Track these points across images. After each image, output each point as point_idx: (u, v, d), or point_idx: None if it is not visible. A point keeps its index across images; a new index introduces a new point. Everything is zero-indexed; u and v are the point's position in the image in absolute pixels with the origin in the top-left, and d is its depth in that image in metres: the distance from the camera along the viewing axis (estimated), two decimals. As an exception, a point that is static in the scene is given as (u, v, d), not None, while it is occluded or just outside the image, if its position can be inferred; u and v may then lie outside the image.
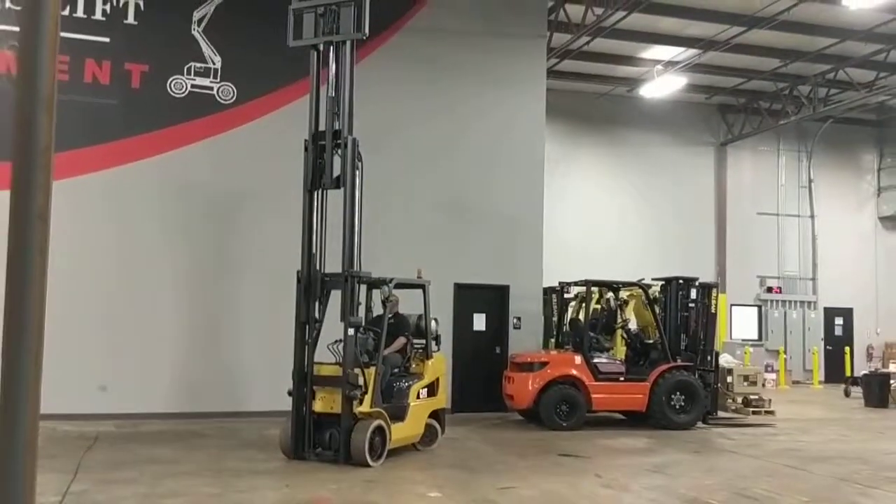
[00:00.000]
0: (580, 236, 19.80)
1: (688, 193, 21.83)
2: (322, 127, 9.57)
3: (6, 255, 3.73)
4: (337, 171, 9.41)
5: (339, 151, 9.40)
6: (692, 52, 17.79)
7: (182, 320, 12.66)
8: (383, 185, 12.79)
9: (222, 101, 12.84)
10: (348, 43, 9.45)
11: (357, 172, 9.33)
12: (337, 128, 9.43)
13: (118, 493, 7.37)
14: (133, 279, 12.51)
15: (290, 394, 9.25)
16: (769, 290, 22.70)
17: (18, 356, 3.65)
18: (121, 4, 12.51)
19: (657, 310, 13.24)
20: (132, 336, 12.43)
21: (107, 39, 12.44)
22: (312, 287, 9.32)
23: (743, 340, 21.41)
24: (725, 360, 14.87)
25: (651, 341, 13.21)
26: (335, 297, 9.34)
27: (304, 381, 9.19)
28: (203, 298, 12.77)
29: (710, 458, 10.21)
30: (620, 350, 13.68)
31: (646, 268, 15.47)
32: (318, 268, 9.38)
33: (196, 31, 12.79)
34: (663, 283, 13.61)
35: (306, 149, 9.57)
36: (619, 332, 13.75)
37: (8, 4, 11.99)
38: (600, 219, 20.68)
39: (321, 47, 9.62)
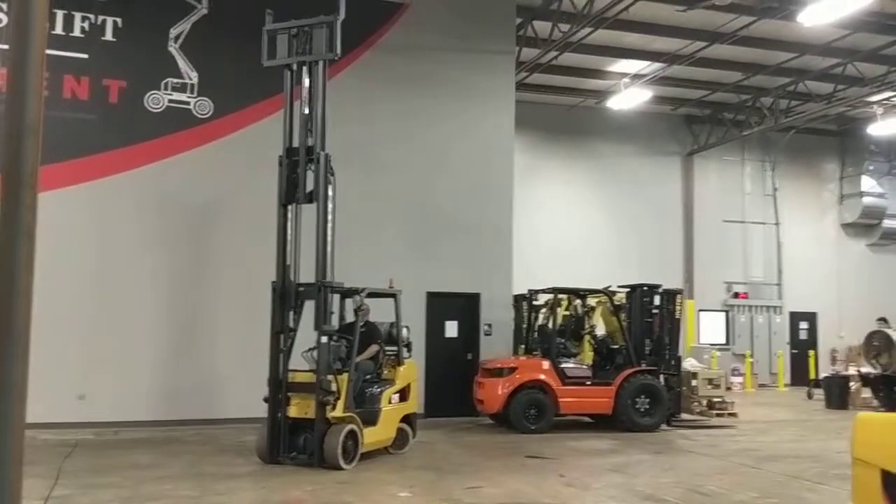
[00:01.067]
0: (551, 245, 20.28)
1: (656, 202, 22.38)
2: (296, 143, 9.96)
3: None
4: (310, 186, 9.78)
5: (312, 167, 9.78)
6: (657, 65, 18.35)
7: (160, 330, 12.94)
8: (356, 197, 13.13)
9: (199, 116, 13.17)
10: (321, 63, 9.84)
11: (329, 186, 9.71)
12: (310, 144, 9.81)
13: (100, 496, 7.67)
14: (111, 290, 12.76)
15: (265, 400, 9.59)
16: (736, 295, 23.29)
17: (6, 368, 4.01)
18: (99, 21, 12.81)
19: (622, 316, 13.70)
20: (111, 345, 12.68)
21: (85, 56, 12.73)
22: (287, 297, 9.68)
23: (710, 345, 21.94)
24: (690, 363, 15.38)
25: (617, 346, 13.66)
26: (309, 306, 9.71)
27: (279, 387, 9.54)
28: (180, 309, 13.06)
29: (669, 457, 10.65)
30: (588, 355, 14.12)
31: (615, 275, 15.88)
32: (292, 278, 9.73)
33: (173, 48, 13.11)
34: (628, 290, 14.07)
35: (280, 164, 9.94)
36: (587, 337, 14.19)
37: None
38: (570, 227, 21.17)
39: (294, 67, 9.98)
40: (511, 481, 8.67)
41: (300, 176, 9.77)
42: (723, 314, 23.35)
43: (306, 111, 9.85)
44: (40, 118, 3.81)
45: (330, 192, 9.72)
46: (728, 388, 15.36)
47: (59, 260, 12.47)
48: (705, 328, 22.86)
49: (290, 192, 9.86)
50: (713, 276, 22.91)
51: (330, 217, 9.68)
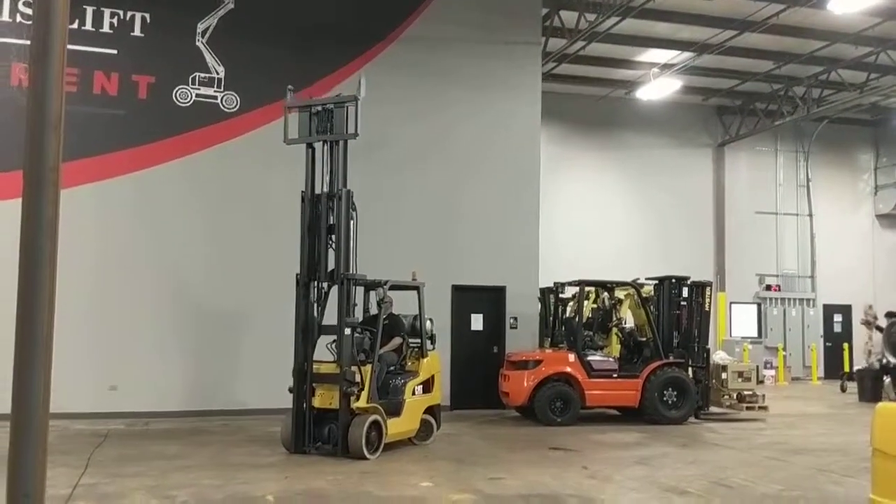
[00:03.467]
0: (578, 237, 20.19)
1: (686, 194, 22.17)
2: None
3: (18, 263, 4.16)
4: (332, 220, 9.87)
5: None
6: (687, 55, 18.14)
7: (190, 322, 13.11)
8: (381, 189, 13.24)
9: (226, 110, 13.31)
10: (341, 142, 9.88)
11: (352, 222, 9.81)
12: (331, 222, 9.83)
13: (127, 485, 7.81)
14: (142, 282, 12.97)
15: (290, 391, 9.68)
16: (768, 287, 23.01)
17: (30, 358, 4.09)
18: (127, 17, 12.99)
19: (650, 308, 13.61)
20: (142, 337, 12.89)
21: (114, 51, 12.92)
22: (311, 289, 9.75)
23: (742, 338, 21.71)
24: (720, 356, 15.21)
25: (644, 339, 13.57)
26: (333, 298, 9.77)
27: (304, 378, 9.62)
28: (209, 301, 13.22)
29: (695, 450, 10.56)
30: (616, 348, 14.06)
31: (645, 268, 15.78)
32: (316, 271, 9.80)
33: (200, 43, 13.25)
34: (656, 282, 13.96)
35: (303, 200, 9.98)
36: (614, 330, 14.11)
37: (19, 19, 12.47)
38: (599, 220, 21.04)
39: (315, 145, 10.06)
40: (533, 473, 8.67)
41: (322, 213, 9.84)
42: (755, 307, 23.09)
43: (326, 189, 9.84)
44: (62, 114, 3.85)
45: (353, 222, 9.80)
46: (760, 382, 15.15)
47: (93, 253, 12.74)
48: (737, 321, 22.63)
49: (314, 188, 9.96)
50: (745, 268, 22.66)
51: (352, 210, 9.74)
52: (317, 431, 9.59)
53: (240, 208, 13.36)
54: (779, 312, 23.06)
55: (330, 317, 9.78)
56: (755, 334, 22.75)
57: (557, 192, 19.38)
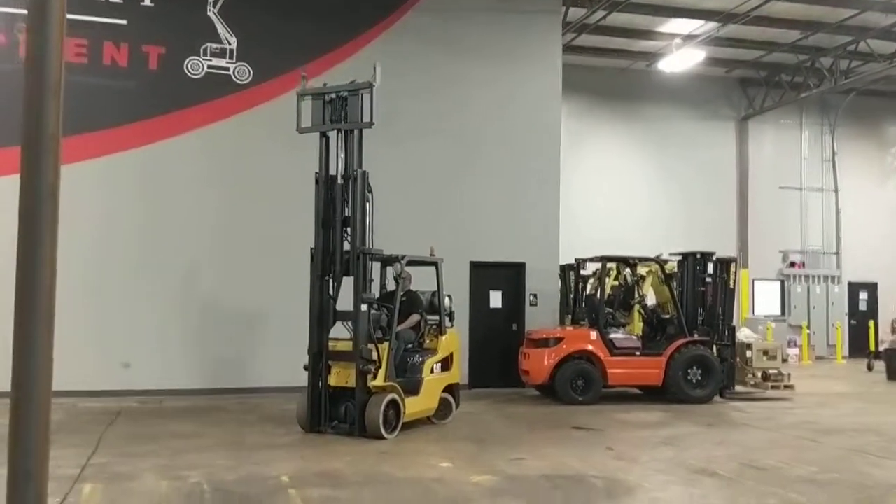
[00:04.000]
0: (599, 212, 19.79)
1: (709, 168, 21.69)
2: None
3: (17, 236, 3.88)
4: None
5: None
6: (711, 24, 17.58)
7: (205, 299, 12.89)
8: (396, 164, 12.92)
9: (238, 82, 13.00)
10: (356, 130, 9.51)
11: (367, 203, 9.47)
12: (346, 214, 9.47)
13: (138, 465, 7.59)
14: (157, 258, 12.76)
15: (305, 369, 9.43)
16: (792, 264, 22.54)
17: (31, 330, 3.80)
18: (137, -13, 12.67)
19: (674, 285, 13.25)
20: (156, 314, 12.70)
21: (124, 21, 12.61)
22: (326, 265, 9.45)
23: (765, 316, 21.27)
24: (745, 334, 14.83)
25: (668, 316, 13.23)
26: (349, 285, 9.47)
27: (320, 356, 9.36)
28: (225, 277, 13.00)
29: (722, 431, 10.25)
30: (638, 326, 13.73)
31: (666, 243, 15.38)
32: (332, 248, 9.49)
33: (211, 12, 12.91)
34: (680, 258, 13.59)
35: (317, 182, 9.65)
36: (636, 307, 13.77)
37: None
38: (620, 195, 20.60)
39: (329, 133, 9.70)
40: (556, 453, 8.39)
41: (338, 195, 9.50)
42: (778, 284, 22.64)
43: (341, 181, 9.46)
44: (61, 80, 3.58)
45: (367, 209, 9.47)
46: (784, 360, 14.79)
47: (105, 227, 12.54)
48: (760, 299, 22.20)
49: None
50: (768, 244, 22.17)
51: (369, 196, 9.43)
52: (333, 410, 9.35)
53: (253, 182, 13.07)
54: (803, 290, 22.59)
55: (346, 294, 9.48)
56: (778, 312, 22.32)
57: (577, 168, 18.96)
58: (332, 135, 9.64)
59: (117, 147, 12.64)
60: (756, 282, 22.11)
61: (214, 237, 13.00)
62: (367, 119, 9.41)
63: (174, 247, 12.86)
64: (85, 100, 12.30)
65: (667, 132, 21.25)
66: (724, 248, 17.60)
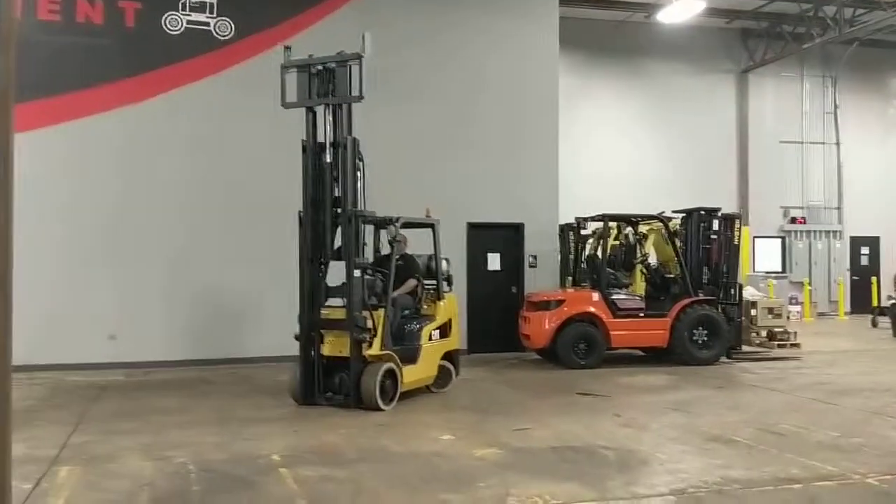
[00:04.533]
0: (596, 171, 19.28)
1: (708, 123, 21.17)
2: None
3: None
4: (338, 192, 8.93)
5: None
6: (712, -28, 16.94)
7: (191, 267, 12.41)
8: (387, 122, 12.37)
9: (220, 37, 12.37)
10: (345, 106, 8.87)
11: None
12: (337, 194, 8.87)
13: (120, 443, 7.15)
14: (140, 225, 12.28)
15: (297, 338, 8.97)
16: (793, 220, 22.12)
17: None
18: (111, -62, 11.97)
19: (678, 243, 12.79)
20: (141, 284, 12.24)
21: (97, -24, 11.93)
22: (316, 228, 8.94)
23: (766, 273, 20.92)
24: (749, 293, 14.43)
25: (672, 276, 12.80)
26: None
27: (312, 324, 8.90)
28: (211, 244, 12.50)
29: (733, 393, 9.87)
30: (640, 286, 13.29)
31: (664, 201, 14.90)
32: (322, 208, 8.97)
33: (189, -36, 12.23)
34: (684, 215, 13.13)
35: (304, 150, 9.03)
36: (639, 267, 13.33)
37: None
38: (617, 152, 20.10)
39: (315, 109, 9.06)
40: (561, 422, 7.97)
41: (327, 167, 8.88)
42: (779, 240, 22.22)
43: (328, 159, 8.84)
44: (12, 33, 3.10)
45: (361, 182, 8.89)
46: (787, 318, 14.43)
47: (83, 194, 12.03)
48: (761, 256, 21.78)
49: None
50: (769, 200, 21.71)
51: (360, 164, 8.88)
52: (327, 381, 8.90)
53: (239, 144, 12.52)
54: (804, 246, 22.20)
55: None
56: (779, 269, 21.94)
57: (574, 125, 18.34)
58: (320, 112, 9.03)
59: (93, 109, 12.07)
60: (756, 239, 21.67)
61: (200, 203, 12.47)
62: (356, 93, 8.80)
63: (157, 214, 12.33)
64: (59, 60, 11.70)
65: (666, 87, 20.68)
66: (724, 204, 16.95)
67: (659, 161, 20.50)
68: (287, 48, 9.16)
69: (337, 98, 8.86)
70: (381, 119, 11.55)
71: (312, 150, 8.95)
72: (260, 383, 10.70)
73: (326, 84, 8.89)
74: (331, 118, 8.90)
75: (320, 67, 8.93)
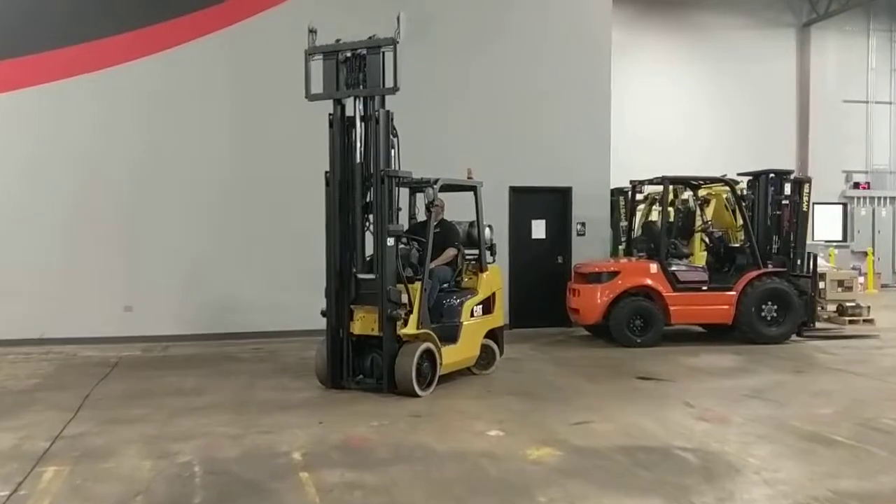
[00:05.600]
0: (647, 131, 18.00)
1: (766, 81, 19.79)
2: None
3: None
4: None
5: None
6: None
7: (214, 234, 11.55)
8: (428, 78, 11.34)
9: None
10: (377, 98, 7.76)
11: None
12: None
13: (121, 435, 6.26)
14: (159, 188, 11.45)
15: (323, 314, 8.01)
16: (856, 185, 20.72)
17: None
18: None
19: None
20: (160, 251, 11.42)
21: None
22: (345, 190, 7.92)
23: (826, 242, 19.58)
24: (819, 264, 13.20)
25: (737, 245, 11.62)
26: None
27: (341, 299, 7.91)
28: (237, 208, 11.60)
29: (815, 378, 8.74)
30: (700, 256, 12.13)
31: (716, 164, 13.72)
32: (351, 167, 7.95)
33: None
34: (751, 178, 11.91)
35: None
36: (699, 235, 12.17)
37: None
38: (667, 111, 18.84)
39: (344, 101, 7.96)
40: (625, 413, 6.94)
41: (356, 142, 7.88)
42: (840, 207, 20.83)
43: (360, 160, 7.82)
44: None
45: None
46: (858, 291, 13.23)
47: (99, 157, 11.24)
48: (820, 223, 20.38)
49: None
50: (830, 164, 20.28)
51: (394, 140, 7.84)
52: (357, 362, 7.94)
53: (261, 104, 11.52)
54: (867, 213, 20.81)
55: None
56: (840, 238, 20.58)
57: (622, 83, 17.01)
58: (349, 104, 7.95)
59: (112, 60, 11.19)
60: (816, 205, 20.17)
61: (224, 163, 11.54)
62: (389, 84, 7.71)
63: (178, 177, 11.46)
64: (42, 13, 10.84)
65: (721, 42, 19.32)
66: (783, 167, 15.84)
67: (711, 122, 19.25)
68: (312, 31, 8.05)
69: (368, 89, 7.78)
70: (419, 76, 10.46)
71: (340, 128, 7.91)
72: (285, 361, 9.82)
73: (357, 73, 7.83)
74: (361, 111, 7.84)
75: (349, 54, 7.85)
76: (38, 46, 10.99)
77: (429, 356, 7.74)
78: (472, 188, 8.91)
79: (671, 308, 10.80)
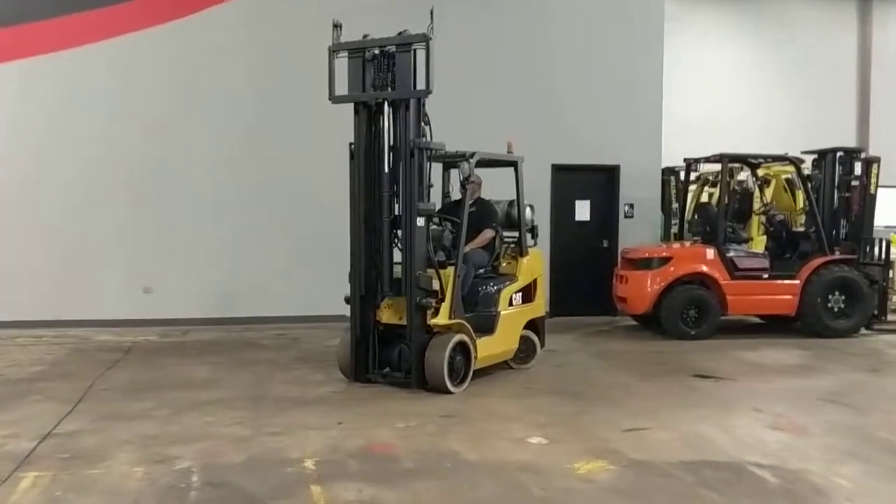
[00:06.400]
0: (695, 108, 16.87)
1: (825, 56, 18.39)
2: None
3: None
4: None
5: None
6: None
7: (239, 210, 10.89)
8: (462, 48, 10.51)
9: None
10: (412, 101, 6.93)
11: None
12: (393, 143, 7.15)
13: (117, 434, 5.60)
14: (180, 164, 10.85)
15: (347, 301, 7.27)
16: (920, 167, 19.38)
17: None
18: None
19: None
20: (180, 231, 10.80)
21: None
22: (371, 164, 7.16)
23: (885, 227, 18.35)
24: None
25: (801, 230, 10.67)
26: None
27: (367, 285, 7.18)
28: (261, 185, 10.93)
29: (895, 379, 7.82)
30: (759, 241, 11.18)
31: (772, 143, 12.69)
32: (380, 140, 7.17)
33: None
34: (816, 156, 10.92)
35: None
36: (757, 219, 11.22)
37: None
38: (720, 87, 17.64)
39: (372, 103, 7.13)
40: (685, 418, 6.11)
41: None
42: (902, 190, 19.54)
43: (388, 168, 7.05)
44: None
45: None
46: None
47: (116, 134, 10.64)
48: (882, 207, 19.12)
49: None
50: (893, 144, 18.96)
51: (427, 129, 7.03)
52: (384, 353, 7.21)
53: (283, 72, 10.81)
54: (932, 197, 19.48)
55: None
56: (901, 223, 19.33)
57: (671, 55, 16.02)
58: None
59: (131, 26, 10.56)
60: (879, 188, 19.05)
61: (248, 137, 10.90)
62: (421, 86, 6.90)
63: (200, 152, 10.83)
64: None
65: (777, 14, 18.02)
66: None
67: (764, 99, 17.99)
68: (337, 26, 7.23)
69: (397, 92, 6.98)
70: (455, 43, 9.78)
71: (367, 117, 7.15)
72: (308, 348, 9.15)
73: (384, 73, 7.02)
74: (390, 114, 7.05)
75: (377, 51, 7.05)
76: (50, 12, 10.38)
77: (462, 349, 6.98)
78: (513, 163, 8.09)
79: (728, 297, 9.90)
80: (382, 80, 7.07)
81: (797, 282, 9.98)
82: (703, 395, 7.01)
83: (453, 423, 5.95)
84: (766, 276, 10.04)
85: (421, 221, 6.88)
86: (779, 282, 10.02)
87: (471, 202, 7.52)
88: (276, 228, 10.89)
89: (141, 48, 10.60)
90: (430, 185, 7.22)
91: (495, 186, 8.18)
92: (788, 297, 9.97)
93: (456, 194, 8.11)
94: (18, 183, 10.48)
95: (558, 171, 11.59)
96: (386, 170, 7.08)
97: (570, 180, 11.68)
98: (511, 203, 8.22)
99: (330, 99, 7.31)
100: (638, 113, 11.68)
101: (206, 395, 6.78)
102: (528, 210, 8.18)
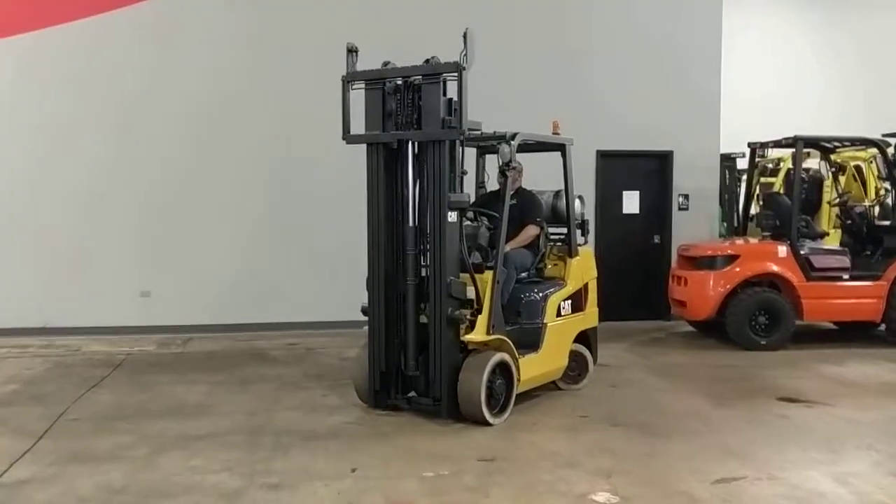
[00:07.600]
0: (757, 88, 15.59)
1: (883, 36, 17.12)
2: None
3: None
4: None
5: None
6: None
7: (247, 208, 9.82)
8: (501, 25, 9.37)
9: None
10: (442, 143, 5.67)
11: None
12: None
13: (75, 485, 4.48)
14: (179, 159, 9.75)
15: (364, 312, 6.10)
16: None
17: None
18: None
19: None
20: (182, 230, 9.75)
21: None
22: (393, 154, 5.96)
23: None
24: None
25: (885, 223, 9.35)
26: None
27: (389, 293, 6.00)
28: (272, 181, 9.86)
29: None
30: (835, 236, 9.87)
31: (828, 127, 11.37)
32: (402, 126, 5.95)
33: None
34: (898, 140, 9.61)
35: None
36: (832, 211, 9.90)
37: None
38: (773, 68, 16.35)
39: (394, 144, 5.90)
40: (785, 461, 4.88)
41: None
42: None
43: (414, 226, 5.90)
44: None
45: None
46: None
47: (115, 131, 9.62)
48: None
49: None
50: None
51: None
52: (410, 375, 6.03)
53: (298, 64, 9.70)
54: None
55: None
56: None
57: (728, 31, 14.76)
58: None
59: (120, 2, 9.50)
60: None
61: (254, 127, 9.79)
62: (454, 125, 5.64)
63: (204, 147, 9.74)
64: None
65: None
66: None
67: (822, 79, 16.70)
68: (352, 51, 6.00)
69: (423, 132, 5.76)
70: (495, 19, 8.73)
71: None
72: (322, 362, 8.01)
73: (409, 109, 5.79)
74: (414, 153, 5.87)
75: (400, 82, 5.83)
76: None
77: (503, 371, 5.78)
78: (560, 146, 6.87)
79: (804, 301, 8.62)
80: (407, 117, 5.82)
81: (883, 283, 8.67)
82: (798, 426, 5.74)
83: (495, 470, 4.76)
84: (846, 276, 8.73)
85: (453, 216, 5.68)
86: (862, 283, 8.71)
87: (512, 193, 6.31)
88: (286, 227, 9.80)
89: (149, 50, 9.56)
90: (464, 173, 5.99)
91: (532, 177, 6.94)
92: (873, 300, 8.68)
93: (493, 184, 6.91)
94: (9, 178, 9.48)
95: (604, 158, 10.36)
96: (410, 224, 5.87)
97: (616, 168, 10.43)
98: (557, 194, 7.00)
99: (344, 138, 6.10)
100: (694, 92, 10.38)
101: (195, 427, 5.64)
102: (577, 202, 6.95)
